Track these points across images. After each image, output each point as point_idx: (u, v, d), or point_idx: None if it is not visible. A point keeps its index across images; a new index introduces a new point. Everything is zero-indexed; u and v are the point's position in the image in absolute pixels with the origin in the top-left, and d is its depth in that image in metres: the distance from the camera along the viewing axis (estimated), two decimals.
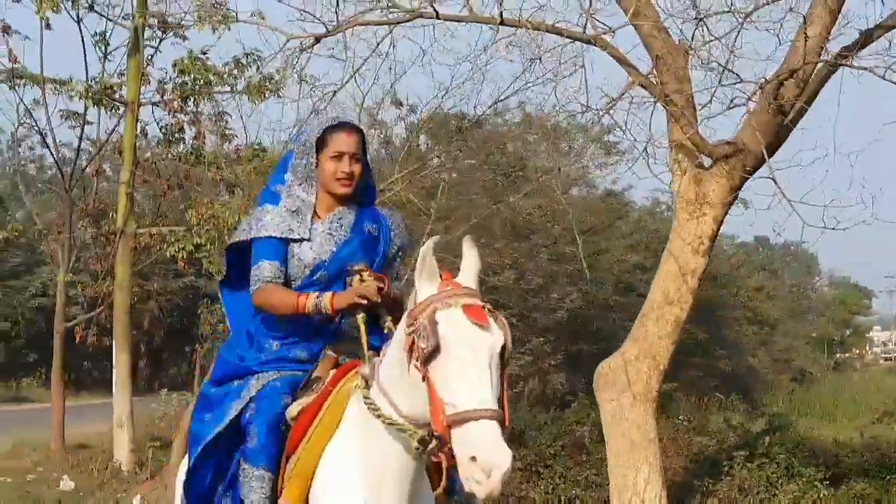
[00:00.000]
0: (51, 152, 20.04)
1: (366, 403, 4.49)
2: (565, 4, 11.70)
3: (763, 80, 10.91)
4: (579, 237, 16.07)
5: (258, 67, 16.60)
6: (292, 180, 5.23)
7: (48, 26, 16.97)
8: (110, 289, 17.84)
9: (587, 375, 38.39)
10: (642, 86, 11.61)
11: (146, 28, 17.08)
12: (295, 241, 5.15)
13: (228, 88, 17.35)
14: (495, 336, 4.18)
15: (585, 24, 11.36)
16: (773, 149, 11.72)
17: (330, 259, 5.16)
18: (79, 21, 17.72)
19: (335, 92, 13.43)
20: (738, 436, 15.40)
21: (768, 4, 11.56)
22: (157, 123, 18.07)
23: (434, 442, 4.20)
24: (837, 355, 71.51)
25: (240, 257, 5.33)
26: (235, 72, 17.00)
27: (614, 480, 11.62)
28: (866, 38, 11.65)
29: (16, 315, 36.40)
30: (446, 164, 21.60)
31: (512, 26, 10.98)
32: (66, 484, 16.24)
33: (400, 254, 5.33)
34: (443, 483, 4.32)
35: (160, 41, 17.90)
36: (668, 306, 11.63)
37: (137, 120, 17.33)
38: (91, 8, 17.07)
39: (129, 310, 17.40)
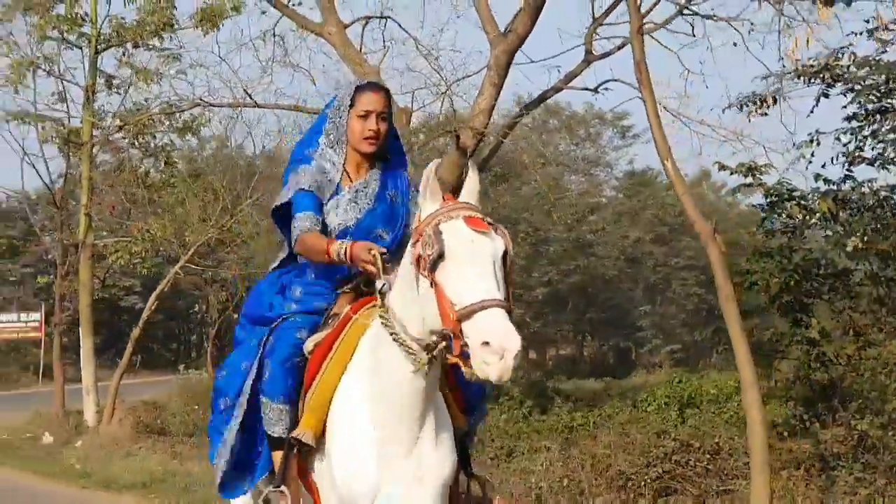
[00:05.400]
0: (42, 180, 26.34)
1: (381, 319, 4.82)
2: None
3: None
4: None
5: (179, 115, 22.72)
6: (325, 143, 5.63)
7: (16, 91, 23.41)
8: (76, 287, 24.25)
9: (602, 340, 43.84)
10: None
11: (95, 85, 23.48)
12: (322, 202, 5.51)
13: (164, 127, 23.54)
14: (496, 241, 4.53)
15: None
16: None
17: (354, 227, 5.53)
18: (61, 76, 24.29)
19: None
20: None
21: (463, 79, 17.59)
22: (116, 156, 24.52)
23: (443, 343, 4.45)
24: None
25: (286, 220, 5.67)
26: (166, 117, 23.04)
27: None
28: (540, 100, 17.59)
29: None
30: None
31: (261, 107, 17.12)
32: (47, 439, 22.44)
33: None
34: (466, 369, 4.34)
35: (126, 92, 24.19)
36: None
37: (91, 157, 23.68)
38: (49, 74, 23.61)
39: (90, 304, 23.66)
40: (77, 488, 16.44)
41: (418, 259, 4.52)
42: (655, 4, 14.89)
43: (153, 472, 16.59)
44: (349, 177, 5.62)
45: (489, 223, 4.55)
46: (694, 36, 14.70)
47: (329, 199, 5.53)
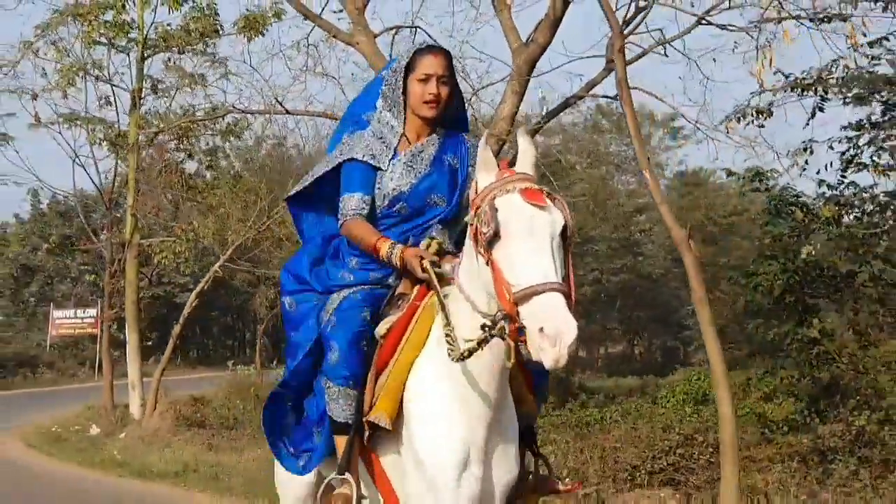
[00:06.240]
0: (92, 181, 27.33)
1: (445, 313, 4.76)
2: None
3: None
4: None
5: (223, 117, 23.71)
6: (383, 106, 5.46)
7: (65, 95, 24.42)
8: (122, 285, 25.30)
9: (652, 338, 44.61)
10: None
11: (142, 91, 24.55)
12: (379, 168, 5.34)
13: (207, 131, 24.53)
14: (555, 215, 4.41)
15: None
16: None
17: (409, 191, 5.36)
18: (109, 81, 25.34)
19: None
20: None
21: (487, 87, 18.35)
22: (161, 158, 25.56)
23: (501, 323, 4.39)
24: None
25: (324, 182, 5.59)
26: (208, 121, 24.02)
27: None
28: (563, 107, 18.35)
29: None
30: None
31: (291, 114, 18.08)
32: (94, 431, 23.54)
33: None
34: (512, 359, 4.40)
35: (171, 97, 25.24)
36: None
37: (139, 160, 24.74)
38: (97, 79, 24.73)
39: (136, 301, 24.75)
40: (114, 477, 17.47)
41: (476, 234, 4.48)
42: (641, 22, 15.53)
43: (187, 463, 17.59)
44: (408, 141, 5.43)
45: (547, 194, 4.47)
46: (667, 56, 15.33)
47: (387, 164, 5.36)
